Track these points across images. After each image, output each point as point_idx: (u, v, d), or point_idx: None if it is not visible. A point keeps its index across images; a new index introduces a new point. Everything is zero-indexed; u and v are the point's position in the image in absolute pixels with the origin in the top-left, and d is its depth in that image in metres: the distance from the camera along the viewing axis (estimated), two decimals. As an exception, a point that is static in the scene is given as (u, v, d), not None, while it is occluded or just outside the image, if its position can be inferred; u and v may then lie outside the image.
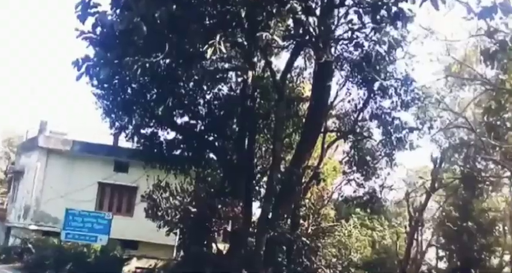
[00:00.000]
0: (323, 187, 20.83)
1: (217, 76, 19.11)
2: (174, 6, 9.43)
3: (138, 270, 22.03)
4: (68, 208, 21.70)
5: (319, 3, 13.84)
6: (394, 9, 10.27)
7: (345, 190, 25.42)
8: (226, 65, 19.04)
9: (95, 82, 15.82)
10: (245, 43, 13.34)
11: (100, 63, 10.14)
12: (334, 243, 19.14)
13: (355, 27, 12.99)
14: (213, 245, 19.80)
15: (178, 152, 20.15)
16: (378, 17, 10.58)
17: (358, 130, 20.13)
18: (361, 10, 11.19)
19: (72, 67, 10.07)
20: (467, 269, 32.65)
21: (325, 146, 19.83)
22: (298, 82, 20.64)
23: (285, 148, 18.87)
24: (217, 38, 9.60)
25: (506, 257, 34.35)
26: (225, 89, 20.02)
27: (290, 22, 14.04)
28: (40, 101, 68.69)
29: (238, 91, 19.60)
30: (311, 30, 10.42)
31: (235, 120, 19.78)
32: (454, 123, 27.22)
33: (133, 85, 17.61)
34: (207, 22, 11.07)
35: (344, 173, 23.00)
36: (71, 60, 10.08)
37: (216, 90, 19.81)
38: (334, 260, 19.21)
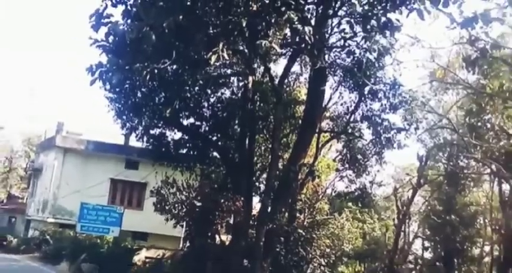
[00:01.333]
0: (318, 183, 20.82)
1: (220, 81, 19.09)
2: (181, 17, 9.43)
3: (148, 260, 22.02)
4: (83, 202, 21.74)
5: (314, 14, 13.85)
6: (383, 19, 10.27)
7: (338, 185, 25.52)
8: (229, 71, 19.04)
9: (108, 87, 15.71)
10: (246, 50, 13.30)
11: (112, 69, 10.14)
12: (328, 235, 19.08)
13: (347, 35, 12.94)
14: (217, 236, 19.79)
15: (184, 151, 20.13)
16: (368, 26, 10.56)
17: (350, 130, 20.13)
18: (352, 20, 11.16)
19: (87, 73, 10.10)
20: (450, 258, 32.72)
21: (320, 145, 19.82)
22: (295, 86, 20.64)
23: (282, 147, 18.87)
24: (220, 45, 9.59)
25: (487, 248, 34.40)
26: (227, 93, 20.02)
27: (287, 31, 14.01)
28: (57, 103, 68.69)
29: (239, 94, 19.59)
30: (307, 38, 10.37)
31: (236, 121, 19.76)
32: (438, 124, 27.24)
33: (143, 90, 17.57)
34: (211, 31, 11.04)
35: (337, 170, 23.00)
36: (86, 66, 10.12)
37: (219, 94, 19.80)
38: (328, 250, 19.17)
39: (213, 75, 18.18)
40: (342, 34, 13.54)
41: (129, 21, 10.44)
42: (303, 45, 11.99)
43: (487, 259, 34.22)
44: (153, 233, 26.26)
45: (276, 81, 17.19)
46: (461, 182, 31.09)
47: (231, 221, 20.38)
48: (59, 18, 76.53)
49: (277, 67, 19.69)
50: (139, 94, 17.92)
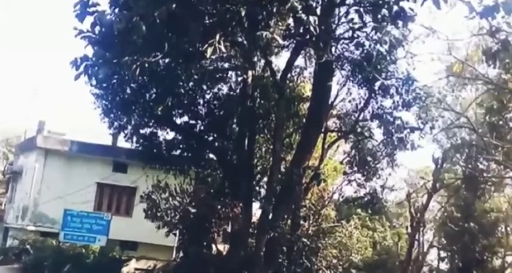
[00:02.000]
0: (324, 187, 20.82)
1: (217, 76, 19.12)
2: (174, 5, 9.44)
3: (137, 272, 22.05)
4: (67, 208, 21.74)
5: (320, 2, 13.85)
6: (395, 8, 10.28)
7: (345, 190, 25.45)
8: (226, 65, 19.07)
9: (94, 82, 15.76)
10: (245, 42, 13.30)
11: (99, 63, 10.15)
12: (335, 244, 19.12)
13: (356, 26, 12.99)
14: (213, 246, 19.81)
15: (177, 152, 20.16)
16: (379, 16, 10.58)
17: (359, 130, 20.12)
18: (362, 9, 11.19)
19: (71, 67, 10.10)
20: (469, 270, 32.64)
21: (326, 146, 19.83)
22: (299, 81, 20.65)
23: (285, 148, 18.88)
24: (217, 37, 9.61)
25: (509, 258, 34.40)
26: (224, 89, 20.06)
27: (290, 21, 14.05)
28: (38, 101, 68.73)
29: (238, 90, 19.62)
30: (311, 29, 10.41)
31: (235, 120, 19.79)
32: (455, 123, 27.24)
33: (133, 85, 17.63)
34: (207, 21, 11.06)
35: (345, 173, 22.98)
36: (69, 60, 10.13)
37: (215, 90, 19.83)
38: (334, 261, 19.20)
39: (209, 69, 18.20)
40: (350, 24, 13.57)
41: (117, 10, 10.45)
42: (308, 37, 12.03)
43: (509, 271, 34.23)
44: (143, 243, 26.28)
45: (278, 76, 17.22)
46: (481, 187, 31.07)
47: (229, 229, 20.41)
48: (59, 19, 76.68)
49: (279, 61, 19.72)
50: (128, 90, 17.97)
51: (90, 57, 10.20)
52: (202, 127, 19.85)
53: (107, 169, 27.68)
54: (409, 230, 33.41)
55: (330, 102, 18.36)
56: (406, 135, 19.30)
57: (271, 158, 18.04)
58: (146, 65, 9.99)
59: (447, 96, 26.28)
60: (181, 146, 20.16)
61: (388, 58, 17.32)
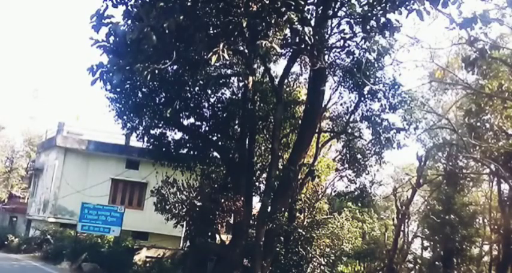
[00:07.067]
0: (317, 182, 20.79)
1: (221, 81, 19.12)
2: (181, 17, 9.44)
3: (148, 259, 22.02)
4: (84, 202, 21.74)
5: (314, 14, 13.88)
6: (382, 19, 10.30)
7: (337, 185, 25.50)
8: (229, 71, 19.08)
9: (108, 87, 15.76)
10: (246, 51, 13.32)
11: (113, 69, 10.16)
12: (328, 235, 19.04)
13: (347, 36, 13.00)
14: (217, 236, 19.78)
15: (184, 151, 20.14)
16: (368, 27, 10.60)
17: (349, 130, 20.11)
18: (352, 21, 11.21)
19: (88, 73, 10.11)
20: (449, 257, 32.64)
21: (320, 145, 19.80)
22: (295, 86, 20.63)
23: (282, 147, 18.87)
24: (221, 46, 9.59)
25: (486, 247, 34.39)
26: (227, 93, 20.05)
27: (287, 31, 14.03)
28: (58, 103, 68.69)
29: (239, 95, 19.61)
30: (306, 39, 10.41)
31: (237, 121, 19.78)
32: (437, 124, 27.20)
33: (144, 90, 17.62)
34: (211, 31, 11.07)
35: (337, 170, 22.97)
36: (86, 67, 10.14)
37: (219, 94, 19.82)
38: (327, 249, 19.14)
39: (213, 75, 18.22)
40: (342, 34, 13.59)
41: (129, 21, 10.48)
42: (303, 46, 12.02)
43: (486, 258, 34.22)
44: (153, 233, 26.26)
45: (276, 81, 17.21)
46: (461, 182, 31.10)
47: (231, 221, 20.38)
48: (61, 19, 76.53)
49: (277, 68, 19.74)
50: (140, 95, 17.94)
51: (105, 65, 10.21)
52: (207, 128, 19.84)
53: (121, 166, 27.68)
54: (395, 221, 33.40)
55: (323, 105, 18.33)
56: (392, 135, 19.26)
57: (269, 156, 18.01)
58: (156, 72, 9.98)
59: (430, 100, 26.28)
60: (188, 145, 20.14)
61: (376, 65, 17.30)
